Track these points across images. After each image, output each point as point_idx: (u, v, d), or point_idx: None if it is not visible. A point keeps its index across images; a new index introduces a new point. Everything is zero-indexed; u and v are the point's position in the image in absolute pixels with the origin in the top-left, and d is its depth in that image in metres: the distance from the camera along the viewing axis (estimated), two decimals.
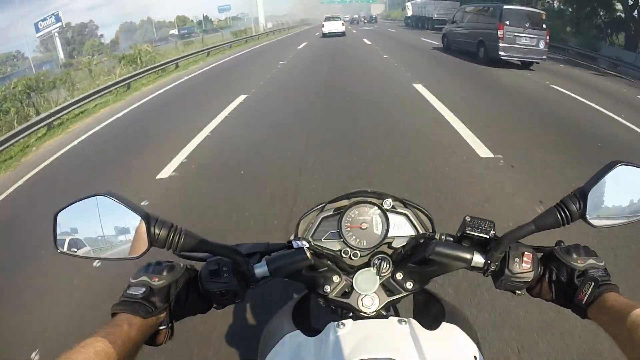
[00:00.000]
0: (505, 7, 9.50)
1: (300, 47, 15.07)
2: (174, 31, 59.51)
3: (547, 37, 9.30)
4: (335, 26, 22.26)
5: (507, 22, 9.15)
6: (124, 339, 0.49)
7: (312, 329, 0.65)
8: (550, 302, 0.61)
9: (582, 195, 0.55)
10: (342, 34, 21.57)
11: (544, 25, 9.40)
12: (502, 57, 9.13)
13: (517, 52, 9.19)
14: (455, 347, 0.62)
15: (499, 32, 9.13)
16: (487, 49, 9.62)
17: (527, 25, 9.21)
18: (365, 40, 17.27)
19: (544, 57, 9.49)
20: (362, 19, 48.54)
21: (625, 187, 0.56)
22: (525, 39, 9.21)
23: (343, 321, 0.62)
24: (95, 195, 0.52)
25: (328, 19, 23.21)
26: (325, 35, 21.67)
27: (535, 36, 9.21)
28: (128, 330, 0.50)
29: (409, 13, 32.21)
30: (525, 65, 9.47)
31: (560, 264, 0.59)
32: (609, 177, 0.54)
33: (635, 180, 0.56)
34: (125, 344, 0.49)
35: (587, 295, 0.55)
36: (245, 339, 1.88)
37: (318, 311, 0.78)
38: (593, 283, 0.54)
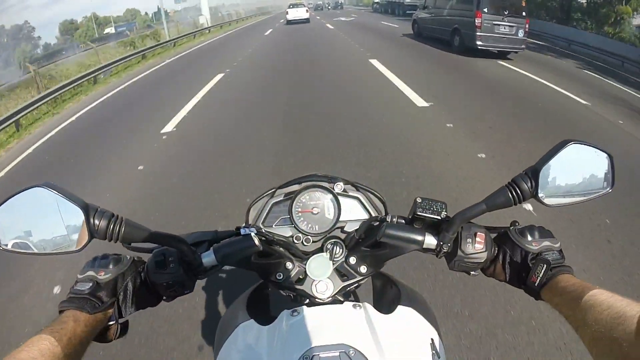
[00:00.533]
0: None
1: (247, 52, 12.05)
2: (110, 29, 54.22)
3: (527, 26, 9.17)
4: (300, 13, 23.89)
5: (485, 10, 8.88)
6: (70, 336, 0.49)
7: (270, 318, 0.66)
8: (504, 282, 0.65)
9: (533, 173, 0.57)
10: (307, 20, 23.53)
11: (524, 13, 9.21)
12: (480, 47, 8.97)
13: (495, 41, 8.99)
14: (411, 330, 0.65)
15: (476, 21, 8.88)
16: (463, 37, 9.47)
17: (506, 12, 8.97)
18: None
19: (523, 46, 9.34)
20: (327, 5, 49.29)
21: (577, 165, 0.58)
22: (504, 28, 8.98)
23: (297, 308, 0.64)
24: (32, 187, 0.51)
25: (292, 6, 24.70)
26: (289, 22, 23.52)
27: (515, 24, 8.98)
28: (74, 327, 0.51)
29: None
30: (502, 55, 9.42)
31: (514, 246, 0.62)
32: (561, 156, 0.56)
33: (586, 159, 0.58)
34: (71, 341, 0.49)
35: (539, 277, 0.57)
36: (204, 329, 1.93)
37: (278, 300, 0.80)
38: (545, 265, 0.58)
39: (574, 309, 0.50)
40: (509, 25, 8.86)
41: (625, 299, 0.46)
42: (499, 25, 8.79)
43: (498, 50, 9.14)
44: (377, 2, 31.78)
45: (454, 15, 9.83)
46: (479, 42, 8.86)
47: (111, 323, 0.58)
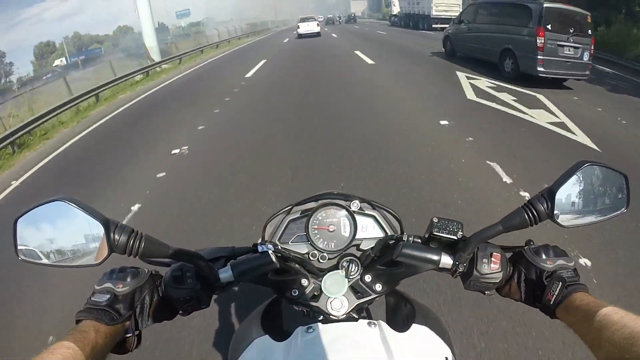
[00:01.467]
0: (546, 4, 7.74)
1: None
2: (60, 61, 47.15)
3: (592, 46, 7.80)
4: (311, 27, 26.24)
5: (549, 27, 7.46)
6: (92, 346, 0.54)
7: (283, 333, 0.73)
8: (519, 302, 0.70)
9: (549, 195, 0.61)
10: (317, 34, 26.08)
11: (589, 31, 7.78)
12: (541, 75, 7.59)
13: (558, 66, 7.60)
14: (425, 348, 0.70)
15: (537, 41, 7.50)
16: (518, 61, 8.09)
17: (571, 30, 7.55)
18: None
19: (587, 72, 7.88)
20: (338, 19, 49.93)
21: (592, 186, 0.63)
22: (569, 50, 7.61)
23: (312, 325, 0.70)
24: (54, 201, 0.56)
25: (303, 20, 27.37)
26: (301, 36, 26.20)
27: (580, 45, 7.61)
28: (95, 337, 0.56)
29: (395, 10, 31.62)
30: (557, 83, 7.76)
31: (529, 265, 0.68)
32: (577, 177, 0.61)
33: (602, 179, 0.63)
34: (93, 351, 0.54)
35: (555, 296, 0.61)
36: (217, 344, 2.04)
37: (290, 314, 0.86)
38: (561, 283, 0.62)
39: (588, 328, 0.54)
40: (574, 47, 7.63)
41: (639, 317, 0.49)
42: (563, 46, 7.61)
43: (553, 77, 7.69)
44: (395, 15, 31.22)
45: (503, 32, 8.66)
46: (541, 68, 7.58)
47: (128, 335, 0.64)
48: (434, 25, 20.24)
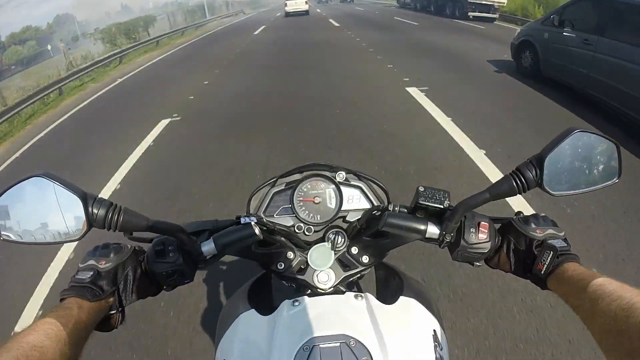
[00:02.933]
0: None
1: None
2: None
3: None
4: (299, 5, 25.31)
5: None
6: (75, 322, 0.54)
7: (272, 308, 0.72)
8: (509, 273, 0.70)
9: (538, 162, 0.60)
10: (306, 12, 25.15)
11: None
12: None
13: None
14: (413, 321, 0.69)
15: None
16: None
17: None
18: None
19: None
20: None
21: (582, 154, 0.61)
22: None
23: (298, 298, 0.70)
24: (31, 177, 0.57)
25: None
26: (288, 14, 25.03)
27: None
28: (78, 313, 0.56)
29: None
30: None
31: (519, 234, 0.67)
32: (566, 144, 0.60)
33: (592, 147, 0.62)
34: (76, 327, 0.54)
35: (545, 265, 0.61)
36: (206, 321, 2.06)
37: (281, 290, 0.85)
38: (552, 252, 0.61)
39: (581, 299, 0.53)
40: None
41: (634, 288, 0.49)
42: None
43: None
44: None
45: None
46: None
47: (112, 312, 0.64)
48: (471, 14, 14.25)
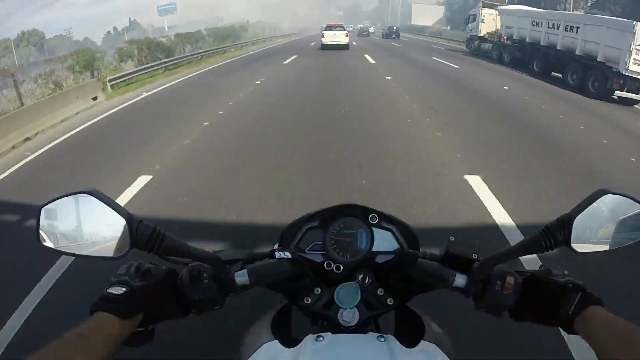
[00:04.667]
0: None
1: None
2: None
3: None
4: (338, 37, 22.12)
5: None
6: (104, 338, 0.56)
7: (292, 339, 0.75)
8: (534, 323, 0.71)
9: (567, 222, 0.62)
10: (345, 46, 21.95)
11: None
12: None
13: None
14: None
15: None
16: None
17: None
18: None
19: None
20: (363, 32, 41.10)
21: (610, 215, 0.64)
22: None
23: (322, 334, 0.71)
24: (79, 193, 0.60)
25: (329, 27, 23.09)
26: (324, 46, 22.16)
27: None
28: (110, 329, 0.58)
29: (484, 29, 18.62)
30: None
31: (543, 285, 0.68)
32: (596, 205, 0.62)
33: (620, 209, 0.64)
34: (105, 342, 0.56)
35: (572, 306, 0.62)
36: (225, 344, 1.94)
37: (300, 321, 0.87)
38: (580, 294, 0.63)
39: (606, 343, 0.54)
40: None
41: None
42: None
43: None
44: (482, 38, 18.53)
45: None
46: None
47: (140, 329, 0.65)
48: (618, 93, 9.20)
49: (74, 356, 0.51)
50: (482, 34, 18.83)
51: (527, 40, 13.50)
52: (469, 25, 20.65)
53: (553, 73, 12.25)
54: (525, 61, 13.89)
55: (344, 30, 22.58)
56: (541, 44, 12.47)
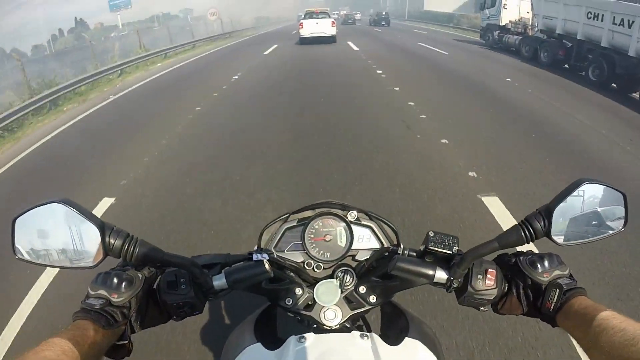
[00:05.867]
0: None
1: None
2: None
3: None
4: (321, 27, 18.52)
5: None
6: (90, 344, 0.60)
7: (277, 341, 0.80)
8: (517, 315, 0.76)
9: (547, 213, 0.68)
10: (331, 39, 18.44)
11: None
12: None
13: None
14: None
15: None
16: None
17: None
18: None
19: None
20: (349, 20, 39.02)
21: (590, 204, 0.69)
22: None
23: (304, 335, 0.77)
24: (51, 202, 0.63)
25: (310, 15, 19.28)
26: (303, 40, 18.44)
27: None
28: (94, 336, 0.61)
29: (506, 17, 16.21)
30: None
31: (526, 278, 0.73)
32: (575, 195, 0.67)
33: (600, 198, 0.69)
34: (91, 349, 0.59)
35: (553, 303, 0.68)
36: (209, 349, 2.25)
37: (285, 321, 0.94)
38: (558, 290, 0.68)
39: (585, 331, 0.59)
40: None
41: (638, 322, 0.54)
42: None
43: None
44: (503, 28, 16.24)
45: None
46: None
47: (122, 342, 0.69)
48: None
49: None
50: (503, 23, 15.92)
51: (577, 37, 10.66)
52: (485, 11, 17.20)
53: (614, 85, 9.39)
54: (571, 64, 11.37)
55: (330, 17, 18.95)
56: (602, 44, 9.58)
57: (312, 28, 18.43)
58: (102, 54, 17.84)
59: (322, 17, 18.80)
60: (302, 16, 19.95)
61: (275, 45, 18.36)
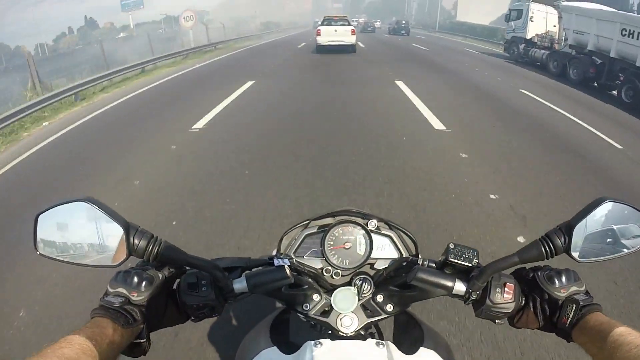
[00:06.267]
0: None
1: None
2: None
3: None
4: (340, 35, 16.96)
5: None
6: (108, 342, 0.59)
7: (290, 344, 0.81)
8: (533, 329, 0.77)
9: (567, 230, 0.69)
10: (350, 48, 16.99)
11: None
12: None
13: None
14: None
15: None
16: None
17: None
18: None
19: None
20: (369, 27, 37.81)
21: (610, 222, 0.70)
22: None
23: (320, 340, 0.77)
24: (77, 201, 0.63)
25: (328, 21, 17.97)
26: (320, 49, 17.09)
27: None
28: (112, 334, 0.61)
29: (532, 31, 15.76)
30: None
31: (542, 293, 0.74)
32: (596, 213, 0.69)
33: (620, 216, 0.70)
34: (109, 347, 0.59)
35: (569, 318, 0.69)
36: (224, 351, 2.25)
37: (298, 325, 0.94)
38: (574, 306, 0.69)
39: (601, 347, 0.60)
40: None
41: None
42: None
43: None
44: (529, 42, 15.79)
45: None
46: None
47: (140, 340, 0.69)
48: None
49: (79, 358, 0.54)
50: (529, 36, 15.62)
51: (610, 54, 10.24)
52: (511, 23, 16.89)
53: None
54: (601, 82, 11.04)
55: (349, 25, 17.42)
56: (637, 64, 9.14)
57: (330, 36, 17.01)
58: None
59: (341, 24, 17.44)
60: (320, 22, 18.66)
61: (247, 85, 10.47)
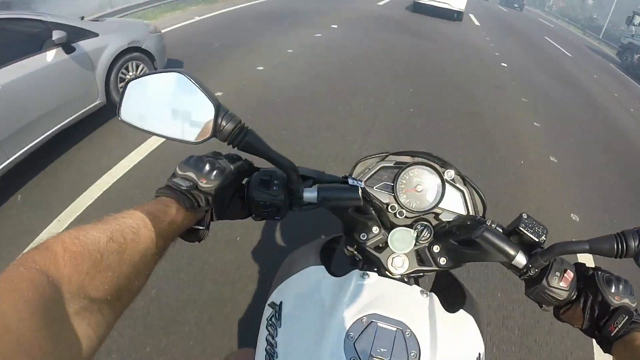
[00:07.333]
0: None
1: None
2: None
3: None
4: None
5: None
6: (170, 222, 0.60)
7: (336, 272, 0.81)
8: (574, 327, 0.76)
9: None
10: (457, 15, 13.66)
11: None
12: None
13: None
14: (466, 337, 0.77)
15: None
16: None
17: None
18: None
19: None
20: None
21: None
22: None
23: (368, 272, 0.78)
24: (173, 71, 0.62)
25: None
26: (417, 7, 13.64)
27: None
28: (175, 215, 0.61)
29: None
30: None
31: (598, 293, 0.72)
32: None
33: None
34: (170, 226, 0.59)
35: (617, 328, 0.67)
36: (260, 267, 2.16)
37: (340, 258, 0.95)
38: (627, 317, 0.67)
39: None
40: None
41: None
42: None
43: None
44: None
45: None
46: None
47: (200, 228, 0.69)
48: None
49: (140, 229, 0.54)
50: None
51: None
52: (632, 27, 14.30)
53: None
54: None
55: None
56: None
57: None
58: None
59: None
60: None
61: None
